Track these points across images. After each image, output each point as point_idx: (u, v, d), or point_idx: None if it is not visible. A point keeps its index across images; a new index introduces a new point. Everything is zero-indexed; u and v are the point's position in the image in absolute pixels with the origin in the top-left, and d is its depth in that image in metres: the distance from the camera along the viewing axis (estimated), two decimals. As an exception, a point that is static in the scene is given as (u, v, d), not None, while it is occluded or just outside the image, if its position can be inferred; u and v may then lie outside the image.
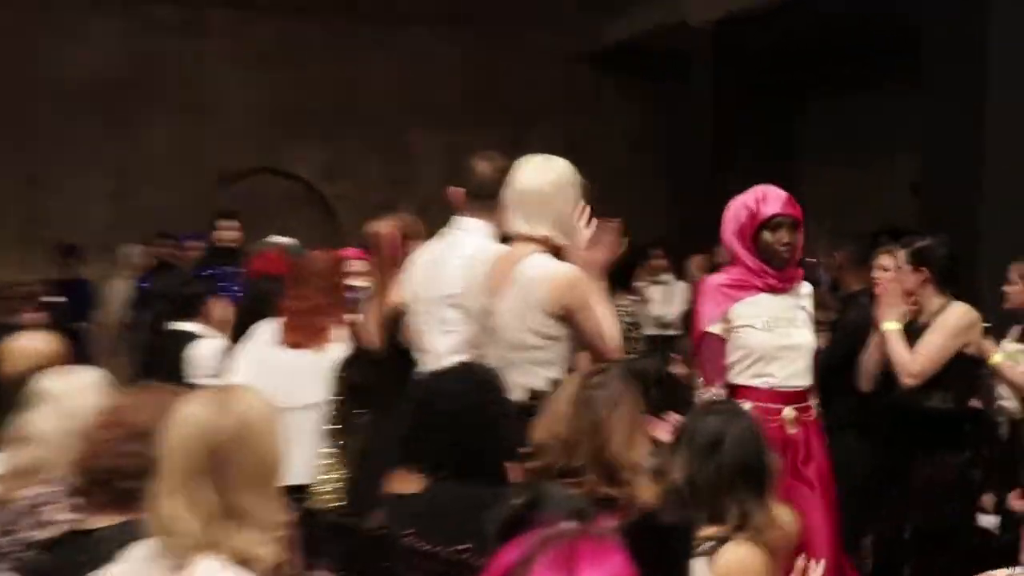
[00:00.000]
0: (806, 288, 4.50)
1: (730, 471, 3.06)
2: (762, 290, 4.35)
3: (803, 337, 4.42)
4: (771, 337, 4.33)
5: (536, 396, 3.69)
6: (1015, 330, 5.33)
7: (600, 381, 3.24)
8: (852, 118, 11.80)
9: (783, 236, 4.34)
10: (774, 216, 4.32)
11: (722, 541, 2.99)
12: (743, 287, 4.35)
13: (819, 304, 5.07)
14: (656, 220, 11.30)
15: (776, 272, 4.36)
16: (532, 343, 3.76)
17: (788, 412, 4.32)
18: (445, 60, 12.53)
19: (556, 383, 3.60)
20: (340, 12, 12.11)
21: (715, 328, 4.36)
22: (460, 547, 2.93)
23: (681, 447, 3.13)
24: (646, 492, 3.08)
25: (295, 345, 4.83)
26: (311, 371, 4.76)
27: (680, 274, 9.21)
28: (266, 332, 4.91)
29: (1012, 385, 5.03)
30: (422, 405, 3.46)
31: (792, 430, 4.30)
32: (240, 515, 2.39)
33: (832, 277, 6.96)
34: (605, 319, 3.76)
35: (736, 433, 3.14)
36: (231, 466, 2.36)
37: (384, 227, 4.47)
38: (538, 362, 3.78)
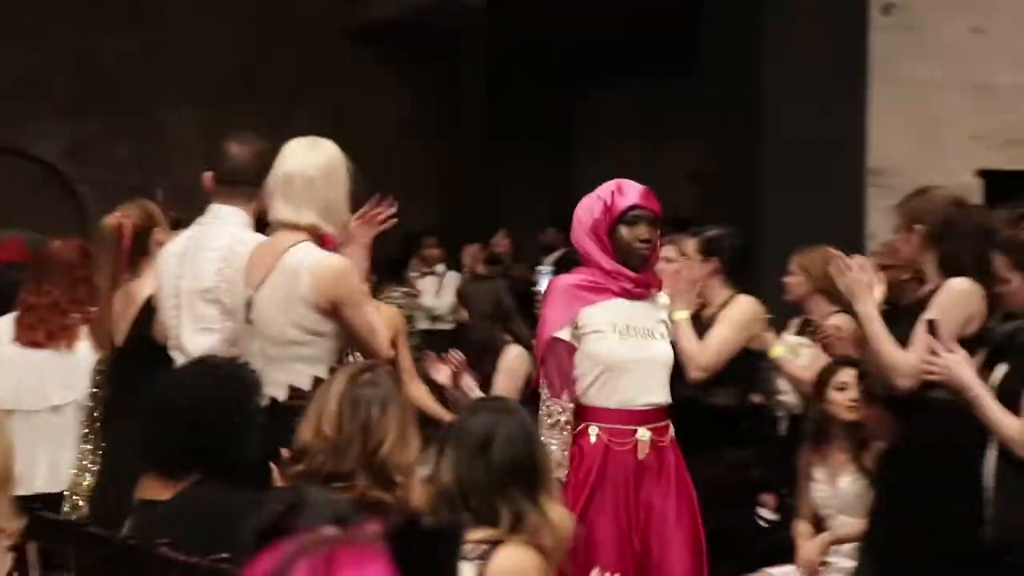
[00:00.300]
0: (664, 298, 4.29)
1: (501, 471, 3.03)
2: (617, 294, 4.10)
3: (660, 349, 4.17)
4: (624, 347, 4.08)
5: (299, 394, 3.70)
6: (796, 322, 5.50)
7: (370, 379, 3.24)
8: (631, 106, 12.17)
9: (641, 232, 4.08)
10: (631, 209, 4.08)
11: (495, 544, 2.96)
12: (596, 290, 4.11)
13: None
14: (429, 208, 11.19)
15: (633, 274, 4.11)
16: (295, 338, 3.75)
17: (643, 433, 4.06)
18: (204, 30, 11.85)
19: (320, 381, 3.57)
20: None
21: (563, 334, 4.07)
22: (218, 556, 2.84)
23: (449, 447, 3.10)
24: (418, 495, 3.10)
25: (33, 344, 4.83)
26: (54, 371, 4.83)
27: (454, 264, 9.36)
28: (4, 329, 4.90)
29: (791, 379, 5.12)
30: (157, 403, 3.45)
31: (643, 454, 4.05)
32: None
33: None
34: (373, 314, 3.78)
35: (507, 432, 3.09)
36: None
37: (114, 219, 4.46)
38: (301, 358, 3.77)
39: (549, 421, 4.00)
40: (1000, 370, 3.82)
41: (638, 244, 4.04)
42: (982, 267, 4.08)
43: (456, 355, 5.29)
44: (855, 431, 4.70)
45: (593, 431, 4.00)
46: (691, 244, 5.07)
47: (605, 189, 4.15)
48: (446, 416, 5.08)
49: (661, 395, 4.08)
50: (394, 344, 4.84)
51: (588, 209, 4.13)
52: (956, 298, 3.95)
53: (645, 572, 4.00)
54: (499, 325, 5.55)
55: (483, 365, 5.40)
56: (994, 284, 4.05)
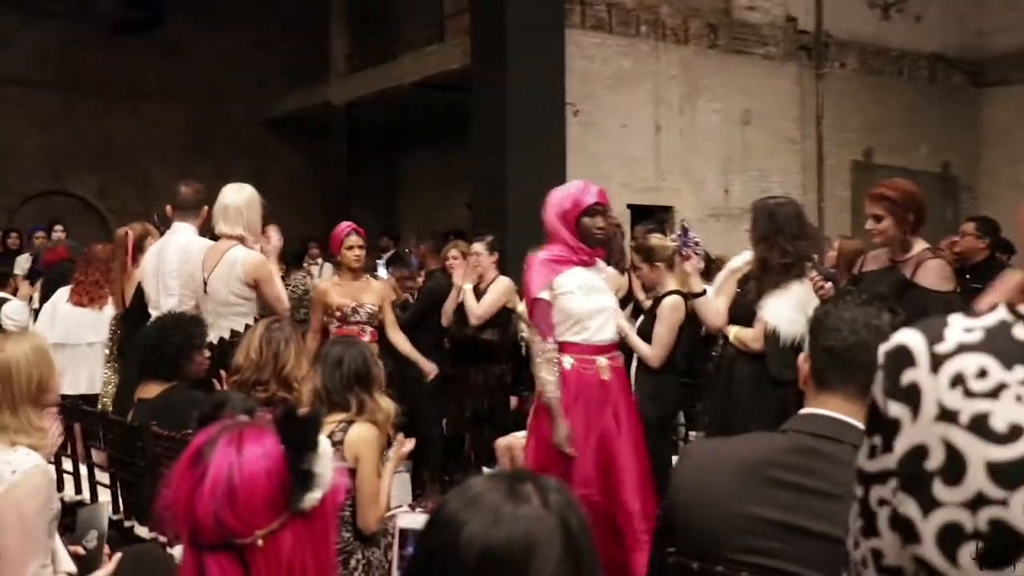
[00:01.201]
0: (601, 264, 4.85)
1: (348, 378, 3.78)
2: (576, 264, 4.61)
3: (609, 301, 4.76)
4: (587, 301, 4.60)
5: (236, 335, 4.83)
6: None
7: (278, 326, 4.28)
8: (433, 162, 17.21)
9: (598, 221, 4.64)
10: (594, 205, 4.62)
11: (349, 423, 3.75)
12: (561, 261, 4.60)
13: (408, 276, 7.02)
14: (313, 224, 15.51)
15: (588, 250, 4.66)
16: (233, 301, 5.00)
17: (602, 361, 4.62)
18: (171, 122, 17.63)
19: (248, 327, 4.71)
20: (95, 88, 16.98)
21: (543, 295, 4.58)
22: (184, 432, 3.57)
23: (318, 365, 3.87)
24: (307, 395, 3.88)
25: (79, 304, 6.15)
26: (91, 322, 6.11)
27: (328, 258, 11.98)
28: (62, 295, 6.18)
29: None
30: (146, 339, 4.49)
31: (606, 376, 4.61)
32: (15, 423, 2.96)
33: (420, 260, 9.28)
34: (279, 287, 5.05)
35: (351, 354, 3.85)
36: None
37: (123, 231, 5.74)
38: (237, 314, 5.02)
39: (545, 357, 4.58)
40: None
41: (596, 230, 4.64)
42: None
43: None
44: None
45: (568, 361, 4.58)
46: (481, 245, 6.51)
47: (573, 187, 4.74)
48: (415, 355, 6.36)
49: (611, 333, 4.72)
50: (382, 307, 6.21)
51: (560, 201, 4.66)
52: (617, 282, 5.35)
53: (606, 462, 4.55)
54: None
55: None
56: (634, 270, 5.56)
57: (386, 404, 3.86)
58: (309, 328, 6.15)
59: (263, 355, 4.09)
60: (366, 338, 5.91)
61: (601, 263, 4.81)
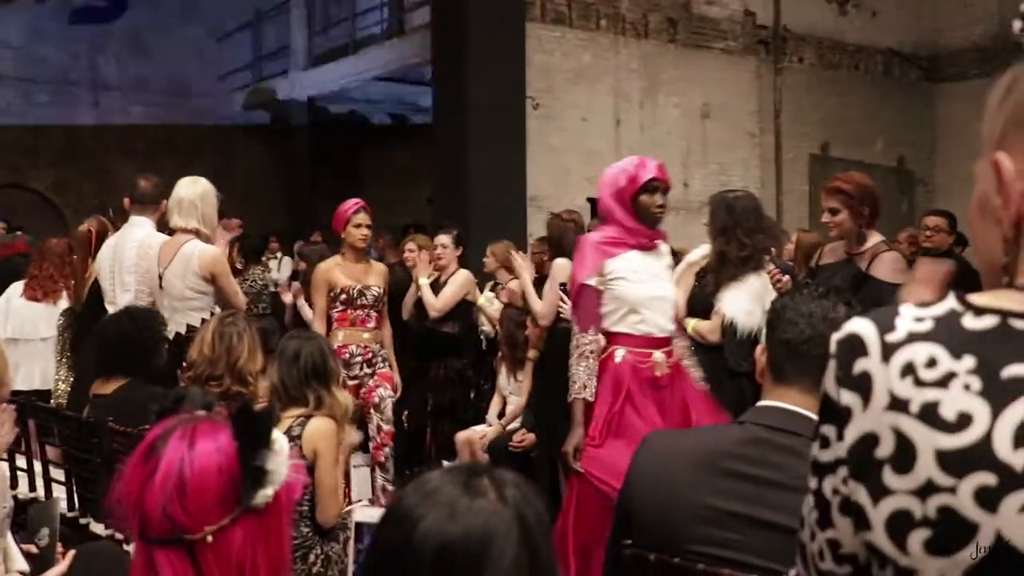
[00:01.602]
0: (665, 247, 4.46)
1: (306, 372, 3.78)
2: (633, 247, 4.25)
3: (668, 289, 4.37)
4: (642, 289, 4.22)
5: (192, 330, 4.80)
6: (489, 284, 7.43)
7: (232, 320, 4.18)
8: (397, 159, 17.33)
9: (658, 199, 4.26)
10: (651, 180, 4.24)
11: (307, 418, 3.74)
12: (617, 244, 4.24)
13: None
14: (274, 220, 15.80)
15: (648, 231, 4.28)
16: (189, 296, 4.98)
17: (658, 356, 4.24)
18: (133, 115, 17.65)
19: (204, 321, 4.65)
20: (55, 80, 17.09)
21: (591, 281, 4.22)
22: (142, 428, 3.31)
23: (276, 360, 3.85)
24: (263, 390, 3.92)
25: (33, 299, 6.13)
26: (45, 316, 6.06)
27: (287, 252, 12.52)
28: (16, 290, 6.14)
29: (489, 318, 6.77)
30: (101, 334, 4.47)
31: (660, 372, 4.23)
32: None
33: (379, 254, 9.38)
34: (233, 283, 5.00)
35: (308, 348, 3.82)
36: None
37: (84, 227, 5.71)
38: (193, 308, 4.98)
39: (577, 352, 4.21)
40: None
41: (655, 209, 4.26)
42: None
43: (296, 286, 6.69)
44: (524, 347, 6.07)
45: (620, 353, 4.19)
46: (447, 237, 6.55)
47: (630, 163, 4.32)
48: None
49: (670, 325, 4.32)
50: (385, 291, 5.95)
51: (614, 179, 4.29)
52: (564, 268, 5.11)
53: None
54: None
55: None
56: None
57: (344, 399, 3.87)
58: (315, 312, 5.88)
59: (215, 350, 4.05)
60: (371, 324, 5.80)
61: (664, 246, 4.43)
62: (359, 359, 5.75)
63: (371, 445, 5.72)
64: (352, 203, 5.92)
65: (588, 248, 4.28)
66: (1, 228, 11.70)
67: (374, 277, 5.89)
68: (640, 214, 4.24)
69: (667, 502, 2.13)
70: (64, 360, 5.75)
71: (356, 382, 5.63)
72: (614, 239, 4.24)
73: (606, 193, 4.30)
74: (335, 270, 5.85)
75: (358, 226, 5.82)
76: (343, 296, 5.79)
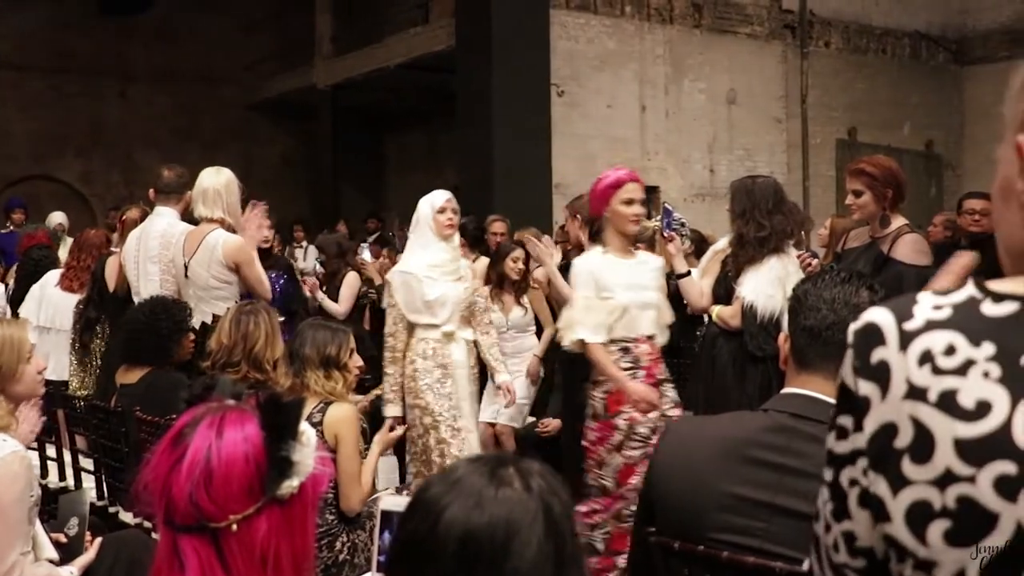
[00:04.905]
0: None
1: (316, 362, 3.82)
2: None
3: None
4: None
5: (217, 319, 4.68)
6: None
7: (250, 308, 4.22)
8: (419, 145, 17.22)
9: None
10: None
11: (327, 403, 3.78)
12: None
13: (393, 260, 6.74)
14: (299, 209, 15.97)
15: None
16: (214, 285, 4.96)
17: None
18: (159, 105, 17.57)
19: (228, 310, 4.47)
20: (83, 71, 16.86)
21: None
22: (169, 416, 3.44)
23: (292, 352, 3.87)
24: (283, 377, 3.88)
25: (69, 289, 6.11)
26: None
27: (311, 241, 12.38)
28: (51, 279, 6.20)
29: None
30: (128, 324, 4.57)
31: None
32: None
33: (403, 242, 9.06)
34: (260, 271, 4.96)
35: (322, 339, 3.86)
36: None
37: (133, 213, 5.76)
38: (218, 297, 4.95)
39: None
40: None
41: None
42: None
43: (313, 281, 6.70)
44: (519, 284, 6.30)
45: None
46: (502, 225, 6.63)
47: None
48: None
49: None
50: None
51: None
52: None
53: None
54: (342, 261, 6.98)
55: (333, 284, 6.86)
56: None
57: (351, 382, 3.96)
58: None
59: (232, 337, 4.10)
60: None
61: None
62: None
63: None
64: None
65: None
66: (21, 216, 11.60)
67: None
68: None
69: (691, 490, 2.13)
70: (74, 352, 5.74)
71: None
72: None
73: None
74: None
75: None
76: None
